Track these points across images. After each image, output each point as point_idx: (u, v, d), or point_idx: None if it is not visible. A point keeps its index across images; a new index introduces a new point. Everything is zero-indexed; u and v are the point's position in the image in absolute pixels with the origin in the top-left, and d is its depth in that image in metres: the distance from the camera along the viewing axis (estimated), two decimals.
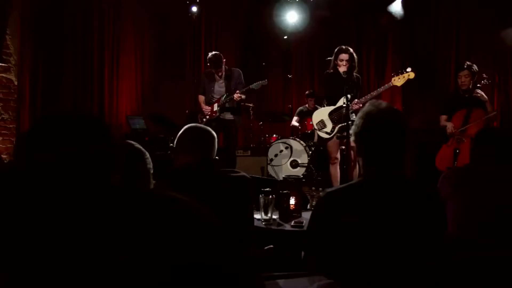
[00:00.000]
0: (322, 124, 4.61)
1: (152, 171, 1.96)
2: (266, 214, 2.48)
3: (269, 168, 6.15)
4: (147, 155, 1.99)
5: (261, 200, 2.46)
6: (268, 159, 6.15)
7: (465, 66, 4.46)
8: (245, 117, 7.04)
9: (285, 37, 7.30)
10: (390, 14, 6.53)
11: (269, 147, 6.27)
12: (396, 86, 4.35)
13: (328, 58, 4.61)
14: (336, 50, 4.45)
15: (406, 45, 6.65)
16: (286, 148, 6.25)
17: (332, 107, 4.53)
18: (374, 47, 6.97)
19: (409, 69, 4.31)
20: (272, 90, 7.67)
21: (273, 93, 7.68)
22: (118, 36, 6.01)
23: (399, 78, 4.27)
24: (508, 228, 1.94)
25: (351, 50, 4.41)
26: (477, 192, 1.98)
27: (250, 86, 5.09)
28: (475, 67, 4.46)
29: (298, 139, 6.27)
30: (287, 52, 7.50)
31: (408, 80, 4.29)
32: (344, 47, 4.41)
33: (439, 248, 1.63)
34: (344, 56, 4.35)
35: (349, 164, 4.24)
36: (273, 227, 2.40)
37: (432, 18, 6.43)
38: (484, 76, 4.56)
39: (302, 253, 1.69)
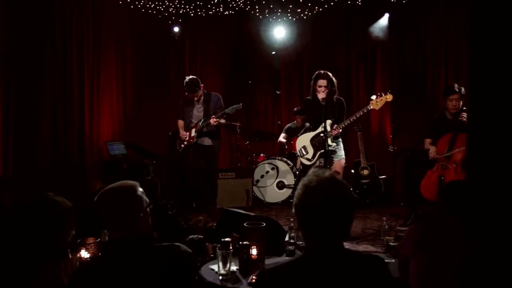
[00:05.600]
0: (304, 150, 4.52)
1: (67, 217, 1.85)
2: (224, 267, 2.35)
3: (255, 190, 6.04)
4: (63, 204, 1.87)
5: (218, 253, 2.33)
6: (254, 180, 6.04)
7: (456, 90, 4.32)
8: (232, 136, 6.94)
9: (273, 52, 7.18)
10: (376, 32, 6.43)
11: (255, 168, 6.15)
12: (374, 109, 4.24)
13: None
14: (314, 75, 4.33)
15: (394, 61, 6.53)
16: (272, 169, 6.14)
17: (313, 133, 4.42)
18: (363, 62, 6.85)
19: (388, 92, 4.21)
20: (261, 107, 7.55)
21: (261, 110, 7.55)
22: (99, 58, 5.87)
23: (377, 102, 4.17)
24: None
25: (330, 75, 4.29)
26: (436, 253, 1.86)
27: (225, 110, 5.02)
28: (463, 89, 4.33)
29: (285, 159, 6.16)
30: (275, 68, 7.38)
31: (386, 103, 4.21)
32: (322, 72, 4.29)
33: None
34: (323, 82, 4.23)
35: None
36: (228, 284, 2.26)
37: (420, 35, 6.33)
38: None
39: None
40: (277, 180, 6.10)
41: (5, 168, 4.67)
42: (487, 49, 2.09)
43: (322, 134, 4.10)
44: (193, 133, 5.16)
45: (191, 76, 5.16)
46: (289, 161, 6.13)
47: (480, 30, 2.13)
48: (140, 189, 1.69)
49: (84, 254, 2.44)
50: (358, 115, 4.21)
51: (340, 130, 4.23)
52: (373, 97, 4.24)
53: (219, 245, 2.50)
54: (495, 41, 2.05)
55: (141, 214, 1.65)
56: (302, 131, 4.73)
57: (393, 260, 3.12)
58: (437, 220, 2.00)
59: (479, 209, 2.02)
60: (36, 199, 1.78)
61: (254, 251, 2.46)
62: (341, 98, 4.44)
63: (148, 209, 1.69)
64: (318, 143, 4.33)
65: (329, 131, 4.21)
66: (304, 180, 1.53)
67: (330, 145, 4.16)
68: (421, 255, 1.92)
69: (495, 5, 2.05)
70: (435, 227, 1.96)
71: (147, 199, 1.70)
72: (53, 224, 1.74)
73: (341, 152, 4.39)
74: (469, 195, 1.98)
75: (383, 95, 4.20)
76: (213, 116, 5.01)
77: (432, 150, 4.34)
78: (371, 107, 4.19)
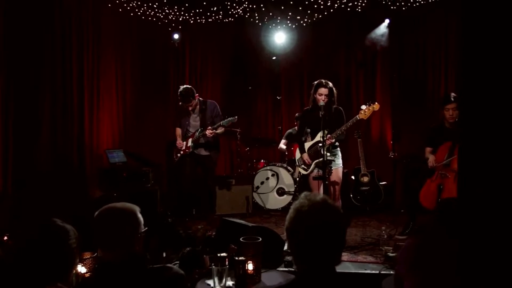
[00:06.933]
0: (302, 160, 4.52)
1: (75, 245, 1.80)
2: (220, 282, 2.35)
3: (255, 196, 6.04)
4: (71, 232, 1.82)
5: (214, 269, 2.33)
6: (254, 187, 6.04)
7: (452, 99, 4.30)
8: (232, 142, 6.95)
9: (274, 58, 7.19)
10: (376, 38, 6.43)
11: (255, 174, 6.15)
12: (362, 119, 4.25)
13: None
14: (315, 83, 4.33)
15: (394, 67, 6.54)
16: (273, 175, 6.14)
17: (310, 143, 4.44)
18: (363, 68, 6.85)
19: (376, 102, 4.25)
20: (261, 112, 7.56)
21: (262, 115, 7.55)
22: (99, 66, 5.87)
23: (365, 112, 4.19)
24: None
25: (331, 84, 4.30)
26: (430, 274, 1.85)
27: (221, 122, 5.01)
28: None
29: (285, 166, 6.16)
30: (276, 73, 7.38)
31: (373, 112, 4.24)
32: (324, 81, 4.29)
33: None
34: (324, 91, 4.24)
35: None
36: None
37: (420, 42, 6.34)
38: None
39: None
40: (277, 186, 6.10)
41: (5, 178, 4.69)
42: (480, 53, 2.04)
43: (320, 144, 4.10)
44: (189, 143, 5.15)
45: (185, 86, 5.13)
46: (289, 168, 6.13)
47: (472, 33, 2.09)
48: (139, 214, 1.74)
49: (81, 269, 2.45)
50: (348, 125, 4.22)
51: (333, 140, 4.23)
52: (363, 106, 4.27)
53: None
54: (488, 45, 2.00)
55: (138, 237, 1.71)
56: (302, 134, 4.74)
57: (392, 272, 3.11)
58: (432, 239, 1.99)
59: (474, 226, 2.01)
60: (45, 226, 1.72)
61: (250, 266, 2.47)
62: (340, 108, 4.43)
63: (142, 234, 1.74)
64: (313, 152, 4.36)
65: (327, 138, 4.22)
66: (296, 203, 1.54)
67: (326, 155, 4.15)
68: (415, 276, 1.91)
69: (487, 8, 2.01)
70: (429, 246, 1.95)
71: (143, 226, 1.74)
72: (62, 254, 1.69)
73: (339, 161, 4.39)
74: (463, 213, 1.97)
75: (371, 105, 4.22)
76: (209, 127, 4.99)
77: (431, 159, 4.32)
78: (359, 117, 4.21)
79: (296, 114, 6.60)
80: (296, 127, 6.52)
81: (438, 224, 2.00)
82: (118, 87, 6.22)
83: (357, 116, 4.20)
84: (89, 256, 2.51)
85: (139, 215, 1.74)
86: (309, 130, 4.60)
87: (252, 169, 6.50)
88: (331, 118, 4.22)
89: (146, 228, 1.76)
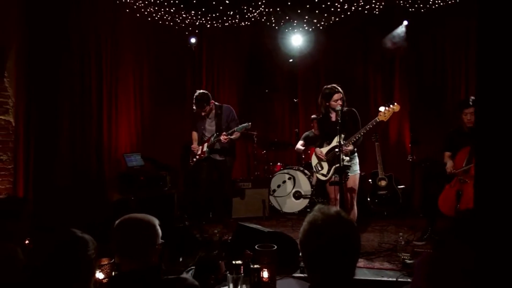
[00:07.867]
0: (320, 166, 4.50)
1: (94, 256, 1.80)
2: None
3: (272, 199, 6.04)
4: (90, 243, 1.83)
5: (229, 277, 2.34)
6: (271, 190, 6.04)
7: (471, 103, 4.21)
8: (249, 145, 6.96)
9: (290, 60, 7.17)
10: (394, 41, 6.36)
11: (271, 178, 6.15)
12: (382, 121, 4.14)
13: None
14: (327, 91, 4.23)
15: (412, 70, 6.44)
16: (289, 178, 6.13)
17: (327, 148, 4.39)
18: (380, 71, 6.77)
19: (395, 103, 4.14)
20: (278, 115, 7.55)
21: (279, 118, 7.54)
22: (117, 71, 5.95)
23: (384, 113, 4.08)
24: None
25: (339, 87, 4.25)
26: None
27: (235, 128, 5.02)
28: None
29: (301, 169, 6.14)
30: (292, 76, 7.37)
31: (393, 113, 4.11)
32: (335, 87, 4.23)
33: None
34: (338, 96, 4.20)
35: (345, 206, 4.09)
36: None
37: (439, 44, 6.25)
38: None
39: None
40: (294, 190, 6.09)
41: (26, 183, 4.80)
42: (497, 56, 1.97)
43: (336, 149, 4.07)
44: (205, 148, 5.17)
45: (201, 91, 5.16)
46: (306, 171, 6.12)
47: (488, 35, 2.02)
48: (158, 226, 1.81)
49: (99, 275, 2.49)
50: (367, 128, 4.12)
51: (350, 147, 4.16)
52: (381, 108, 4.14)
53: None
54: (506, 48, 1.93)
55: (155, 248, 1.76)
56: (319, 142, 4.69)
57: (409, 280, 3.07)
58: (448, 253, 1.96)
59: (492, 238, 1.96)
60: (64, 237, 1.72)
61: (265, 274, 2.47)
62: (353, 109, 4.36)
63: (160, 246, 1.79)
64: (331, 157, 4.31)
65: (342, 146, 4.16)
66: (310, 216, 1.54)
67: (344, 159, 4.12)
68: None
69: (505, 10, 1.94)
70: (446, 260, 1.92)
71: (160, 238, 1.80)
72: (81, 264, 1.70)
73: (356, 167, 4.33)
74: (480, 223, 1.93)
75: (390, 106, 4.12)
76: (224, 133, 5.01)
77: (449, 165, 4.25)
78: (379, 119, 4.10)
79: (313, 116, 6.56)
80: (313, 129, 6.49)
81: (455, 238, 1.97)
82: (135, 91, 6.29)
83: (376, 118, 4.08)
84: (106, 262, 2.54)
85: (158, 227, 1.81)
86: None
87: (268, 172, 6.51)
88: (345, 120, 4.16)
89: (163, 241, 1.79)
